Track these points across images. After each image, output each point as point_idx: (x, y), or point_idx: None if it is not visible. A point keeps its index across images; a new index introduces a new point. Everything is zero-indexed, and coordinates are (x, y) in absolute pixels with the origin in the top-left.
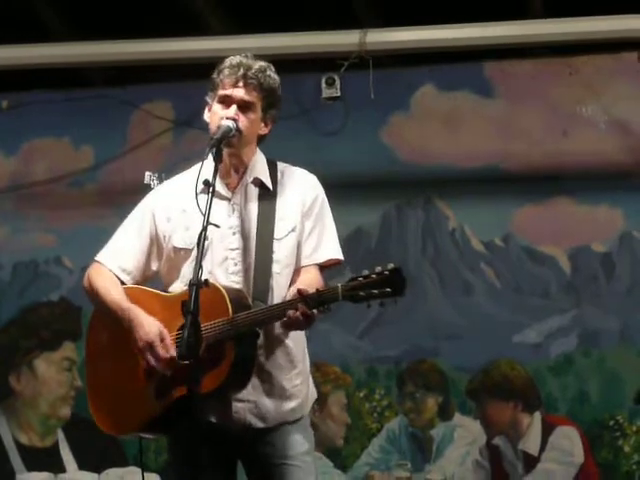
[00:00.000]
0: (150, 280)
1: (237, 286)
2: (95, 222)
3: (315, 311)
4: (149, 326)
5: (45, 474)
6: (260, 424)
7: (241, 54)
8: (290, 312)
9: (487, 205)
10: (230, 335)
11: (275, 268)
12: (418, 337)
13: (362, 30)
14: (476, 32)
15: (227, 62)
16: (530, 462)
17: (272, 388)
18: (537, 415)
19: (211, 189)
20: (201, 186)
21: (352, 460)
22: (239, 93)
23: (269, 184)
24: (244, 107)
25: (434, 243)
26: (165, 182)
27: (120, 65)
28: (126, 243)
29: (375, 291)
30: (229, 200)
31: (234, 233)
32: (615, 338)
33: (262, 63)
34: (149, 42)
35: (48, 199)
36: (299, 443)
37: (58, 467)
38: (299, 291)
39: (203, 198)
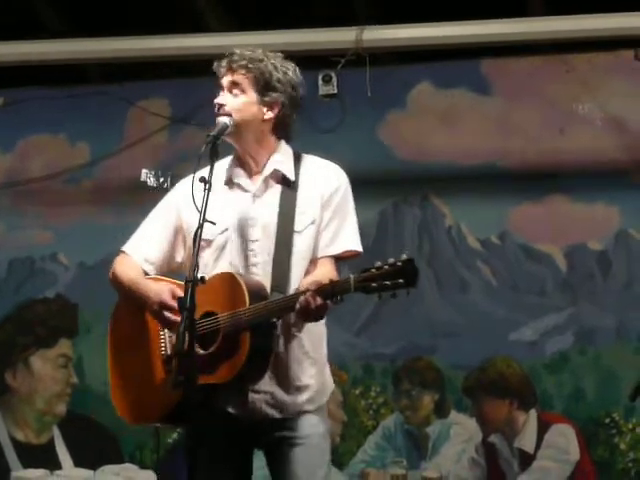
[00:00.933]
0: (175, 273)
1: (257, 277)
2: (91, 219)
3: (328, 302)
4: (159, 287)
5: (41, 471)
6: (277, 415)
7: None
8: (302, 302)
9: (484, 203)
10: (246, 325)
11: (294, 260)
12: (414, 334)
13: (359, 27)
14: (473, 29)
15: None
16: (526, 460)
17: (287, 379)
18: (533, 413)
19: (207, 186)
20: (222, 180)
21: (348, 457)
22: (227, 78)
23: (291, 177)
24: (230, 89)
25: (431, 241)
26: (191, 175)
27: (117, 62)
28: (151, 233)
29: (388, 282)
30: (250, 192)
31: (254, 225)
32: (611, 336)
33: (255, 50)
34: (146, 39)
35: (44, 196)
36: (315, 425)
37: (54, 464)
38: (313, 283)
39: (231, 192)
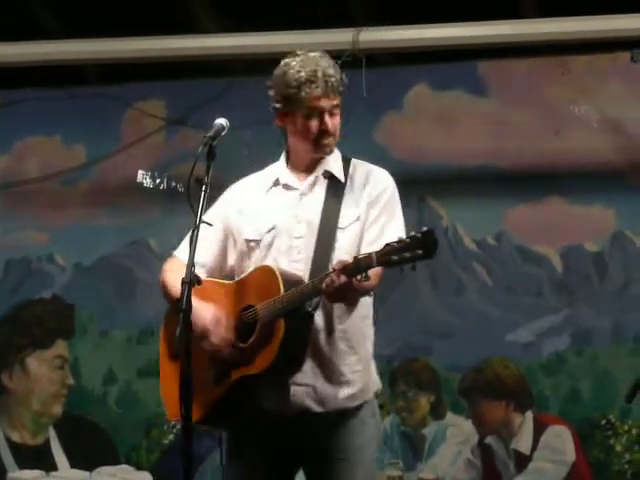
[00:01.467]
0: (228, 278)
1: (299, 273)
2: (88, 220)
3: (354, 280)
4: (204, 312)
5: (36, 472)
6: (318, 408)
7: (305, 53)
8: (327, 281)
9: (480, 204)
10: (280, 312)
11: (336, 256)
12: (410, 336)
13: (355, 29)
14: (470, 31)
15: (303, 72)
16: (522, 461)
17: (331, 373)
18: (529, 414)
19: (205, 188)
20: (270, 182)
21: None
22: (329, 102)
23: (340, 176)
24: (333, 112)
25: None
26: (241, 180)
27: (113, 63)
28: (201, 237)
29: (407, 254)
30: (298, 190)
31: (299, 222)
32: (607, 337)
33: (330, 59)
34: (143, 40)
35: (40, 197)
36: (356, 436)
37: (50, 465)
38: (339, 262)
39: (275, 192)
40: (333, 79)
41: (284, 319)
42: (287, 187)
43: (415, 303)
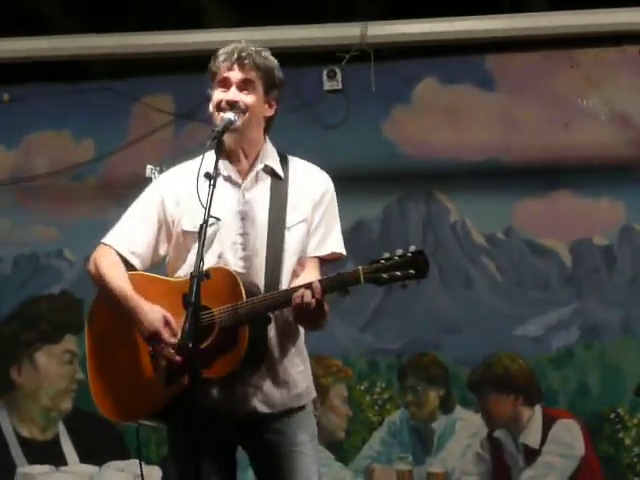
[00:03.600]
0: (156, 266)
1: (242, 271)
2: (96, 215)
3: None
4: (152, 313)
5: (46, 467)
6: (266, 409)
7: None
8: (298, 295)
9: (488, 198)
10: (246, 318)
11: (285, 256)
12: (419, 330)
13: (363, 23)
14: (477, 25)
15: (222, 50)
16: (531, 455)
17: (278, 374)
18: (538, 408)
19: (212, 181)
20: (202, 179)
21: (353, 453)
22: (237, 74)
23: (280, 172)
24: (244, 87)
25: (435, 236)
26: (173, 168)
27: (121, 58)
28: (135, 226)
29: (398, 273)
30: (240, 186)
31: (243, 218)
32: (616, 331)
33: (257, 47)
34: (151, 35)
35: (49, 192)
36: (304, 430)
37: (59, 460)
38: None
39: (220, 185)
40: (247, 55)
41: (249, 326)
42: (229, 180)
43: (424, 298)
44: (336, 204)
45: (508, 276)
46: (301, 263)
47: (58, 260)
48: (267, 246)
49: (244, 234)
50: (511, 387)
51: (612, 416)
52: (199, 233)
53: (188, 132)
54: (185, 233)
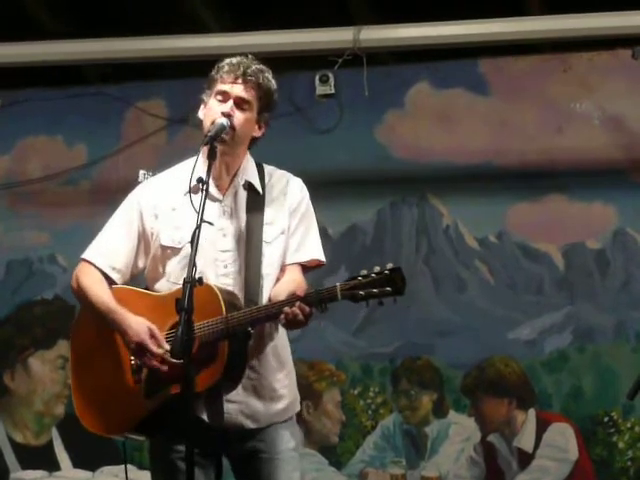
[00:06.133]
0: (135, 277)
1: (228, 288)
2: (89, 220)
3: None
4: (137, 325)
5: (39, 472)
6: (251, 425)
7: (241, 55)
8: (287, 309)
9: (481, 202)
10: (225, 334)
11: (265, 271)
12: (412, 334)
13: (356, 27)
14: (471, 29)
15: (227, 60)
16: (524, 459)
17: (262, 389)
18: (531, 412)
19: (205, 187)
20: (193, 184)
21: (347, 457)
22: (237, 89)
23: (259, 188)
24: (240, 104)
25: (428, 240)
26: (152, 178)
27: (115, 62)
28: (115, 241)
29: (375, 290)
30: (220, 202)
31: (225, 235)
32: (609, 334)
33: (262, 65)
34: (144, 40)
35: (42, 197)
36: (287, 439)
37: (52, 465)
38: (290, 292)
39: (194, 197)
40: (251, 73)
41: (228, 341)
42: (210, 196)
43: (417, 301)
44: (312, 211)
45: (501, 280)
46: (282, 269)
47: (51, 265)
48: (246, 262)
49: (226, 251)
50: (505, 391)
51: (606, 420)
52: (192, 239)
53: (181, 137)
54: (163, 248)
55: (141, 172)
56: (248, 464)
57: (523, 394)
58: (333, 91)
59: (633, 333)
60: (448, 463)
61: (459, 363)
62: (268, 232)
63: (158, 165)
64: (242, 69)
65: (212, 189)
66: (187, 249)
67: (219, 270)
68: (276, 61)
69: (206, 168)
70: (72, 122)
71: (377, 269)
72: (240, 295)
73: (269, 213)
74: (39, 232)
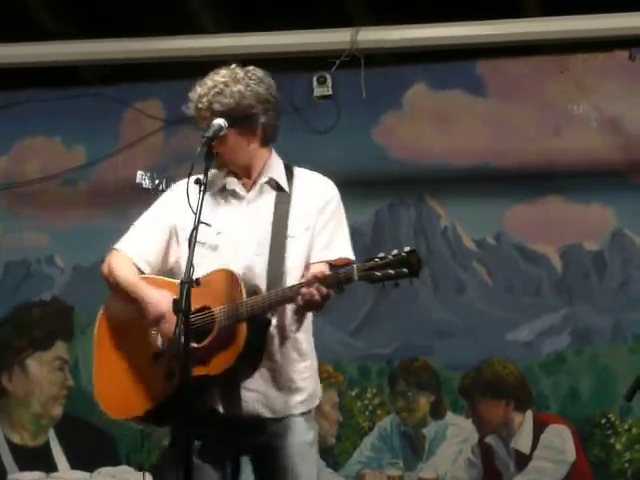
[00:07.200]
0: (167, 274)
1: (251, 282)
2: (87, 221)
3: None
4: (161, 297)
5: (37, 473)
6: (268, 414)
7: (209, 74)
8: (304, 290)
9: (479, 203)
10: (244, 316)
11: (288, 265)
12: (410, 335)
13: (354, 28)
14: (468, 30)
15: (193, 91)
16: (522, 460)
17: (281, 380)
18: (529, 413)
19: (202, 187)
20: (216, 187)
21: (344, 459)
22: (203, 123)
23: (285, 186)
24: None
25: (426, 241)
26: (182, 181)
27: (112, 64)
28: (148, 234)
29: (392, 271)
30: (244, 198)
31: (249, 230)
32: (607, 336)
33: (216, 82)
34: (141, 41)
35: (40, 198)
36: (304, 432)
37: (50, 466)
38: (314, 274)
39: (225, 198)
40: (204, 107)
41: (247, 325)
42: (234, 194)
43: (415, 303)
44: (343, 211)
45: (499, 281)
46: (308, 268)
47: (49, 266)
48: (269, 256)
49: (249, 245)
50: (502, 392)
51: (603, 421)
52: (189, 239)
53: (179, 138)
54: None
55: (139, 173)
56: (264, 457)
57: (521, 395)
58: (331, 92)
59: (630, 334)
60: (445, 464)
61: (457, 364)
62: (292, 227)
63: (156, 166)
64: (195, 103)
65: (237, 187)
66: (211, 243)
67: (242, 264)
68: (274, 62)
69: (223, 172)
70: (70, 123)
71: (395, 252)
72: (262, 288)
73: (294, 210)
74: (37, 233)
